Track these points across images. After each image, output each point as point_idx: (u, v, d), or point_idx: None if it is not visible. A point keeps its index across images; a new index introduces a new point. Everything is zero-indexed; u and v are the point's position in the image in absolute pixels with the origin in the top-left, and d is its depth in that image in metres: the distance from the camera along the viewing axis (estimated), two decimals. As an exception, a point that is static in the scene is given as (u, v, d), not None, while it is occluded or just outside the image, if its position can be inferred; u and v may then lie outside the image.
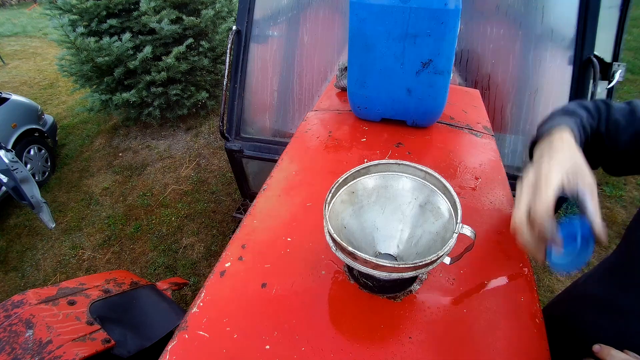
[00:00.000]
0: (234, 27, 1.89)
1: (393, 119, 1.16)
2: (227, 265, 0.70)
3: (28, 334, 0.93)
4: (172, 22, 3.52)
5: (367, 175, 0.69)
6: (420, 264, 0.52)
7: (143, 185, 3.45)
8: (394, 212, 0.69)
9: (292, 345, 0.57)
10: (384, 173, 0.69)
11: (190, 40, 3.63)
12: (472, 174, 0.95)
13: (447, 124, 1.17)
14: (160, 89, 3.69)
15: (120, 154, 3.90)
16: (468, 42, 1.78)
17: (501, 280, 0.67)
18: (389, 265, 0.52)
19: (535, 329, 0.59)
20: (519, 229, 0.56)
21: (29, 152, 3.41)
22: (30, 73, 6.36)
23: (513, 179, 1.74)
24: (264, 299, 0.64)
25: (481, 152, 1.04)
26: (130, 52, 3.46)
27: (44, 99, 5.27)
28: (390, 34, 0.99)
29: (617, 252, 0.67)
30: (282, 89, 2.03)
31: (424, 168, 0.66)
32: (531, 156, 0.68)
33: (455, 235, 0.56)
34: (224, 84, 1.82)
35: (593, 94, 1.63)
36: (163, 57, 3.54)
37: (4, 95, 3.38)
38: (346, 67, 1.41)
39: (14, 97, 3.45)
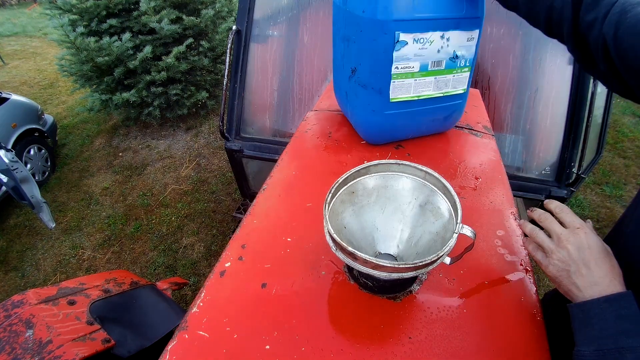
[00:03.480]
0: (234, 27, 1.89)
1: None
2: (227, 265, 0.70)
3: (28, 334, 0.93)
4: (172, 22, 3.52)
5: (367, 175, 0.69)
6: (420, 264, 0.52)
7: (143, 185, 3.45)
8: (394, 212, 0.69)
9: (292, 345, 0.57)
10: (384, 173, 0.69)
11: (190, 40, 3.63)
12: (472, 174, 0.95)
13: (447, 124, 1.17)
14: (160, 89, 3.68)
15: (120, 154, 3.90)
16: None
17: (501, 280, 0.67)
18: (389, 265, 0.52)
19: (535, 329, 0.59)
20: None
21: (29, 152, 3.41)
22: (30, 73, 6.36)
23: (513, 179, 1.75)
24: (264, 299, 0.64)
25: (481, 152, 1.04)
26: (130, 52, 3.45)
27: (44, 99, 5.27)
28: (337, 33, 1.01)
29: None
30: (282, 89, 2.03)
31: (424, 168, 0.66)
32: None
33: (455, 236, 0.56)
34: (224, 83, 1.82)
35: (593, 94, 1.63)
36: (163, 57, 3.54)
37: (4, 95, 3.38)
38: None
39: (14, 97, 3.45)
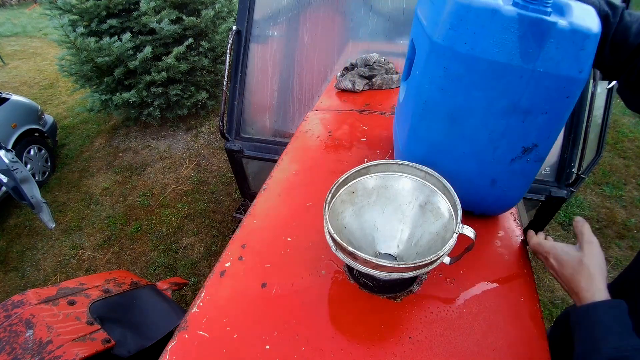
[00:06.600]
0: (234, 27, 1.89)
1: None
2: (227, 265, 0.70)
3: (28, 334, 0.93)
4: (172, 22, 3.52)
5: (367, 175, 0.69)
6: (420, 264, 0.52)
7: (143, 185, 3.45)
8: (394, 212, 0.69)
9: (292, 345, 0.57)
10: (384, 173, 0.69)
11: (190, 40, 3.63)
12: (472, 174, 0.94)
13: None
14: (160, 89, 3.68)
15: (120, 154, 3.90)
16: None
17: (501, 281, 0.67)
18: (389, 265, 0.52)
19: (535, 329, 0.59)
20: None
21: (29, 152, 3.41)
22: (30, 73, 6.35)
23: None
24: (264, 299, 0.64)
25: (481, 152, 1.03)
26: (130, 52, 3.46)
27: (44, 99, 5.27)
28: (491, 105, 0.66)
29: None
30: (282, 89, 2.03)
31: (424, 168, 0.66)
32: None
33: (455, 235, 0.56)
34: (224, 84, 1.82)
35: (593, 94, 1.63)
36: (163, 57, 3.54)
37: (4, 95, 3.37)
38: (346, 68, 1.41)
39: (14, 97, 3.45)
